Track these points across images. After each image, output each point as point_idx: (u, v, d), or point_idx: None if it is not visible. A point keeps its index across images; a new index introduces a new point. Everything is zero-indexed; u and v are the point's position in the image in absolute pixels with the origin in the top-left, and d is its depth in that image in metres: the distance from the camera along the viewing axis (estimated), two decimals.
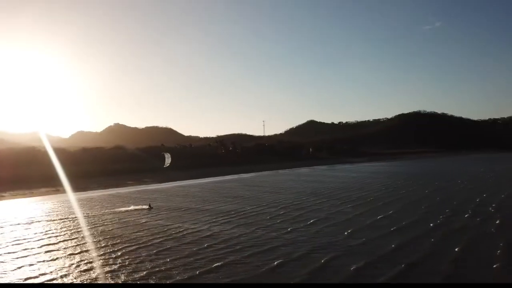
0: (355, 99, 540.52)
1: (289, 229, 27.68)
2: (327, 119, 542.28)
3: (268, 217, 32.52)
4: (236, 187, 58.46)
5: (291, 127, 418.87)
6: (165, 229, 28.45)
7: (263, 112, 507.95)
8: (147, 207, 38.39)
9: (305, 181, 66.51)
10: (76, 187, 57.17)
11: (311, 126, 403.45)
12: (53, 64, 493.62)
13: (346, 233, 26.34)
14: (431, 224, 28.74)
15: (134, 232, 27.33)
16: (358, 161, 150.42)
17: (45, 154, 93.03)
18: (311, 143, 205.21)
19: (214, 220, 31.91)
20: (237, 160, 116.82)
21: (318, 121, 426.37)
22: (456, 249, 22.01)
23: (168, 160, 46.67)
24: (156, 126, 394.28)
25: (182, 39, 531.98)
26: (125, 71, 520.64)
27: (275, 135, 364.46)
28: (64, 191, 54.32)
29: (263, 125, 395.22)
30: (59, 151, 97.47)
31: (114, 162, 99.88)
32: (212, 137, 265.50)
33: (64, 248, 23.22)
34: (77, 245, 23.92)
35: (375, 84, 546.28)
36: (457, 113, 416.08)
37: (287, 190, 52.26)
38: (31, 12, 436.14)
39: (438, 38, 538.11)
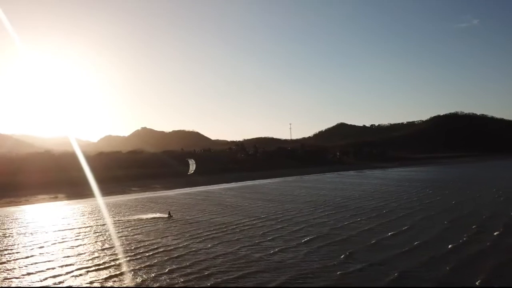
0: (388, 101, 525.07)
1: (277, 249, 23.99)
2: (358, 122, 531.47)
3: (260, 233, 28.91)
4: (243, 195, 55.08)
5: (320, 130, 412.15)
6: (138, 246, 25.37)
7: (292, 115, 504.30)
8: (167, 215, 36.55)
9: (322, 189, 62.37)
10: (79, 194, 55.41)
11: (341, 129, 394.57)
12: (81, 69, 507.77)
13: (343, 255, 22.39)
14: (451, 245, 24.27)
15: (100, 249, 24.41)
16: (389, 166, 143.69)
17: (58, 159, 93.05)
18: (338, 147, 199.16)
19: (199, 234, 28.63)
20: (256, 165, 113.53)
21: (349, 124, 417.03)
22: (478, 280, 17.76)
23: (192, 166, 45.00)
24: (183, 130, 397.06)
25: (208, 41, 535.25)
26: (152, 75, 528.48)
27: (303, 138, 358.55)
28: (62, 199, 52.58)
29: (290, 128, 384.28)
30: (73, 156, 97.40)
31: (129, 167, 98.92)
32: (239, 141, 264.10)
33: (5, 270, 20.46)
34: (26, 266, 21.15)
35: (409, 85, 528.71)
36: (498, 115, 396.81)
37: (297, 200, 48.43)
38: (58, 15, 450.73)
39: (476, 36, 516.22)
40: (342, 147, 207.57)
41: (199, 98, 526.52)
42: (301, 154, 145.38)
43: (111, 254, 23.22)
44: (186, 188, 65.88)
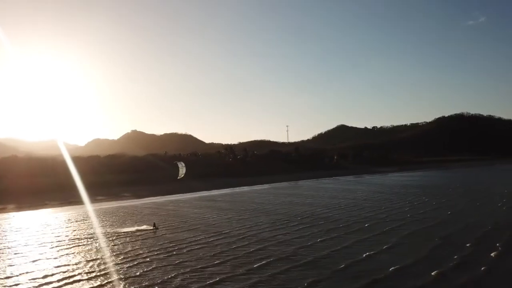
0: (390, 102, 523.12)
1: (220, 278, 20.08)
2: (360, 124, 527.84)
3: (211, 254, 24.98)
4: (215, 205, 51.45)
5: (319, 132, 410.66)
6: (52, 272, 21.41)
7: (290, 118, 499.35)
8: (151, 227, 33.80)
9: (310, 197, 58.85)
10: (31, 204, 51.80)
11: (341, 132, 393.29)
12: (69, 71, 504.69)
13: (300, 287, 18.50)
14: (438, 270, 20.41)
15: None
16: (389, 170, 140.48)
17: (26, 165, 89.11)
18: (337, 150, 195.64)
19: (136, 256, 24.75)
20: (246, 170, 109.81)
21: (349, 125, 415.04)
22: None
23: (182, 170, 41.82)
24: (175, 133, 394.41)
25: (203, 42, 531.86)
26: (143, 77, 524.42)
27: (302, 141, 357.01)
28: (10, 210, 48.72)
29: (287, 131, 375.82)
30: (45, 161, 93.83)
31: (106, 173, 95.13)
32: (232, 144, 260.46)
33: None
34: None
35: (413, 85, 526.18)
36: (506, 115, 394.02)
37: (275, 211, 44.71)
38: (46, 16, 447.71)
39: (483, 34, 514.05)
40: (341, 150, 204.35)
41: (193, 100, 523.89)
42: (295, 158, 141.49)
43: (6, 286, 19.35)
44: (157, 197, 62.30)
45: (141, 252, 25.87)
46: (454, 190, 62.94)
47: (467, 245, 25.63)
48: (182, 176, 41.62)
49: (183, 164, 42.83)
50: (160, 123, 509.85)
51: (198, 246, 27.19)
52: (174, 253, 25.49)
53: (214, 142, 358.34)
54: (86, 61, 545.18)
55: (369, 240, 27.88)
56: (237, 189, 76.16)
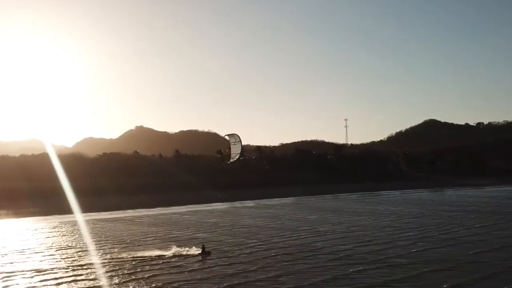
0: (506, 88, 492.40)
1: None
2: (458, 119, 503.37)
3: None
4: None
5: (399, 130, 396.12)
6: None
7: (355, 112, 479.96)
8: (200, 251, 32.70)
9: (286, 220, 54.48)
10: None
11: (429, 129, 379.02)
12: (59, 59, 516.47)
13: None
14: None
15: None
16: (483, 183, 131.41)
17: None
18: (402, 154, 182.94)
19: None
20: (245, 179, 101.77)
21: (442, 121, 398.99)
22: None
23: (235, 148, 40.07)
24: (195, 130, 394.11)
25: (232, 24, 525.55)
26: (154, 62, 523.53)
27: (372, 142, 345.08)
28: None
29: (346, 126, 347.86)
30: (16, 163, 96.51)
31: (97, 177, 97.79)
32: (274, 147, 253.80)
33: None
34: None
35: None
36: None
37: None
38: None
39: None
40: (418, 152, 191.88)
41: (219, 89, 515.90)
42: (334, 163, 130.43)
43: None
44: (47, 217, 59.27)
45: None
46: None
47: None
48: (237, 157, 39.87)
49: (238, 138, 39.62)
50: (173, 117, 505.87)
51: None
52: None
53: (250, 143, 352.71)
54: (77, 49, 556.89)
55: None
56: (196, 207, 72.15)
